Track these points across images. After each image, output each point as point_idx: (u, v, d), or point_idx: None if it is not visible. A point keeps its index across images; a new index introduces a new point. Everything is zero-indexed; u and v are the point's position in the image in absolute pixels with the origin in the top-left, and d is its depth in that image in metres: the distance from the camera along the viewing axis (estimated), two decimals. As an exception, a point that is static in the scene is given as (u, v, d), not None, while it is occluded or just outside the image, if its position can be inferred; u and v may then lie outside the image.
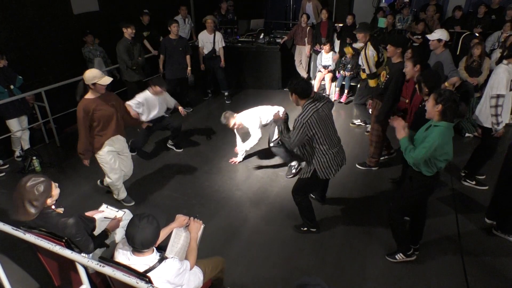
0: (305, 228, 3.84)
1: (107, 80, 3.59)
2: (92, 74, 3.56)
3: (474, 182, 4.58)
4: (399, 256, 3.42)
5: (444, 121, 2.79)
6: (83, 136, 3.71)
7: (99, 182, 4.50)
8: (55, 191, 2.44)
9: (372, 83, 5.17)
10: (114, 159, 3.99)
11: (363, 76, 5.76)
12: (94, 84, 3.55)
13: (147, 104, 4.89)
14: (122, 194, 4.28)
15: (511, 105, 4.13)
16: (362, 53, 5.07)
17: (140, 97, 4.83)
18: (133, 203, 4.32)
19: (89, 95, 3.67)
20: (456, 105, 2.76)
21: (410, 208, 3.27)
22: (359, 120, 6.41)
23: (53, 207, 2.47)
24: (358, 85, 7.12)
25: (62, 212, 2.51)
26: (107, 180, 4.18)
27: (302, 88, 3.20)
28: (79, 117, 3.64)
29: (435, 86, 3.29)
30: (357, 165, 5.04)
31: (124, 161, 4.16)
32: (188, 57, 6.50)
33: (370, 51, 4.93)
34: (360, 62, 5.39)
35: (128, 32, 5.73)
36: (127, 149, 4.19)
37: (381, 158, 5.04)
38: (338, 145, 3.44)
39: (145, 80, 6.02)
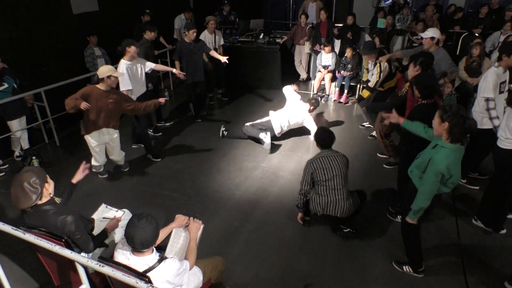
0: (297, 204, 3.82)
1: (120, 73, 4.21)
2: (107, 68, 4.08)
3: (465, 181, 4.59)
4: (407, 268, 3.33)
5: (451, 143, 2.61)
6: (70, 99, 3.97)
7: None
8: (50, 182, 2.50)
9: (366, 94, 5.43)
10: (99, 148, 4.53)
11: (365, 77, 5.80)
12: (109, 76, 4.02)
13: (131, 71, 4.85)
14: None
15: (503, 107, 4.12)
16: (376, 69, 5.21)
17: (122, 68, 4.77)
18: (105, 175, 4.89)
19: (100, 85, 4.10)
20: (463, 120, 2.53)
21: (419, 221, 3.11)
22: (367, 123, 6.27)
23: (51, 195, 2.49)
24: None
25: (59, 201, 2.54)
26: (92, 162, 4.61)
27: (322, 140, 3.59)
28: (79, 91, 4.02)
29: (425, 89, 3.31)
30: (378, 154, 5.35)
31: (113, 149, 4.66)
32: (212, 51, 6.33)
33: (384, 67, 5.17)
34: (370, 78, 5.46)
35: (151, 35, 5.66)
36: (118, 140, 4.65)
37: (390, 167, 5.05)
38: (339, 190, 3.47)
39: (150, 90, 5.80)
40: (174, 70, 5.58)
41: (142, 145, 5.65)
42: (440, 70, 4.69)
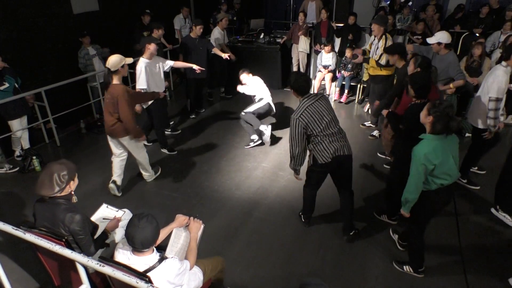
0: (301, 214, 4.01)
1: (130, 59, 3.84)
2: (118, 58, 3.73)
3: (465, 181, 4.57)
4: (407, 268, 3.32)
5: (431, 134, 2.71)
6: (131, 117, 3.82)
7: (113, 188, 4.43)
8: (76, 180, 2.56)
9: (383, 71, 5.44)
10: None
11: (366, 77, 5.81)
12: (122, 66, 3.74)
13: (150, 70, 4.77)
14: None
15: (503, 107, 4.12)
16: (381, 43, 5.29)
17: (140, 67, 4.66)
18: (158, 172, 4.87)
19: (116, 81, 3.79)
20: (448, 120, 2.63)
21: (424, 220, 3.14)
22: (368, 122, 6.28)
23: (72, 192, 2.56)
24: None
25: (75, 200, 2.60)
26: (143, 160, 4.44)
27: (300, 86, 3.33)
28: (125, 99, 3.75)
29: (420, 89, 3.30)
30: (378, 154, 5.33)
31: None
32: (215, 49, 6.32)
33: (391, 41, 5.33)
34: (374, 53, 5.51)
35: (159, 33, 5.63)
36: None
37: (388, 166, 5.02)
38: (336, 134, 3.38)
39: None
40: (194, 66, 5.39)
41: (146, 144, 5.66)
42: (447, 75, 4.65)
